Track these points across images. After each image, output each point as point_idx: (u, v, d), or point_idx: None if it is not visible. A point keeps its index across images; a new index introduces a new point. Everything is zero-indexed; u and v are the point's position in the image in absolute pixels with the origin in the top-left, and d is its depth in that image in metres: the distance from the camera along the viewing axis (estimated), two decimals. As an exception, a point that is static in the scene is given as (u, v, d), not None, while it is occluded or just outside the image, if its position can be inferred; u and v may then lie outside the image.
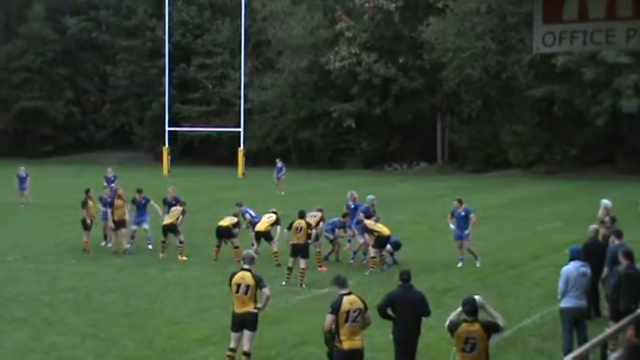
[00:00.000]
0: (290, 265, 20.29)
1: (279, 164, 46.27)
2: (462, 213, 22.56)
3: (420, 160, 67.74)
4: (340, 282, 11.59)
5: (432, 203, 39.32)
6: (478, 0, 61.08)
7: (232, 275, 13.10)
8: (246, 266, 13.07)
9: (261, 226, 22.78)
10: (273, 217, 23.01)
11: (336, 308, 11.31)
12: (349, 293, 11.46)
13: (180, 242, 23.88)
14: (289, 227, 20.77)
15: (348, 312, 11.27)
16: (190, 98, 73.32)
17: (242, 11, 61.36)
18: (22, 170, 38.64)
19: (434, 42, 62.72)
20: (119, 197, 25.24)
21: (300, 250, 20.16)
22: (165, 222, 24.02)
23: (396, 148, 68.09)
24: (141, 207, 25.61)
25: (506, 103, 63.52)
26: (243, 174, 58.45)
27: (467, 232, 22.45)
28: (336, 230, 23.55)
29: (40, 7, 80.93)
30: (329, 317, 11.35)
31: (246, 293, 12.85)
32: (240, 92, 62.20)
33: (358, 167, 66.73)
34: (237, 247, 22.71)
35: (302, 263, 20.10)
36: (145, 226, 25.38)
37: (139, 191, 25.96)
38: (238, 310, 12.95)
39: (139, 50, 77.27)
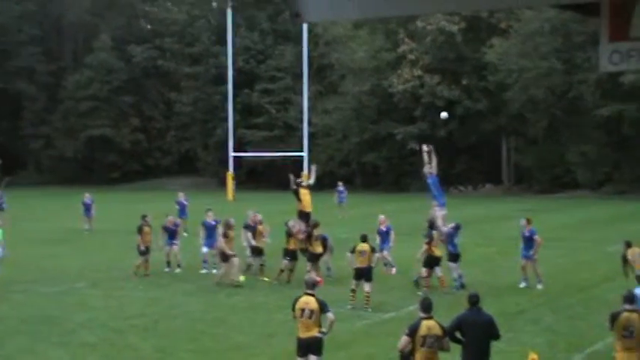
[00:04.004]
0: (353, 287, 20.24)
1: (341, 188, 46.13)
2: (527, 233, 22.57)
3: (485, 182, 67.06)
4: (424, 305, 11.51)
5: (499, 225, 38.86)
6: (542, 20, 60.44)
7: (296, 300, 13.06)
8: (309, 291, 13.01)
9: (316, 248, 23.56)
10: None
11: (412, 331, 11.24)
12: (429, 318, 11.35)
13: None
14: (352, 251, 20.75)
15: (425, 337, 11.18)
16: (254, 123, 73.80)
17: (304, 36, 61.65)
18: (87, 197, 39.26)
19: (497, 63, 62.27)
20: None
21: (363, 274, 20.11)
22: (257, 244, 24.76)
23: (461, 170, 67.51)
24: (210, 229, 25.78)
25: (572, 123, 62.60)
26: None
27: (532, 252, 22.32)
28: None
29: (106, 37, 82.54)
30: (404, 338, 11.27)
31: (310, 318, 12.78)
32: (303, 116, 62.42)
33: (423, 190, 66.09)
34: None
35: (366, 287, 20.00)
36: (213, 251, 25.52)
37: (209, 211, 26.31)
38: (303, 335, 12.88)
39: (203, 77, 78.17)
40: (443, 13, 59.88)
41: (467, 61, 65.79)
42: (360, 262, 20.28)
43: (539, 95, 60.90)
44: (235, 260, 23.45)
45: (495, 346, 12.25)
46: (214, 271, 25.22)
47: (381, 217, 26.00)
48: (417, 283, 22.37)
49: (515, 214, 41.51)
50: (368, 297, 19.93)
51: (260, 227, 25.00)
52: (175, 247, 26.11)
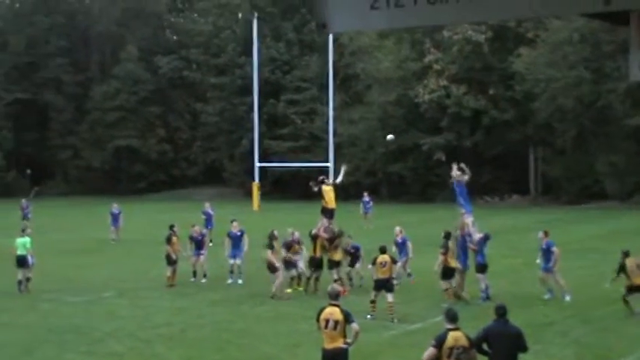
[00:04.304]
0: (373, 298, 20.22)
1: (366, 198, 45.99)
2: (544, 246, 22.54)
3: (512, 193, 66.65)
4: (450, 316, 11.38)
5: (526, 236, 38.51)
6: (570, 29, 60.02)
7: (320, 311, 12.98)
8: (333, 302, 12.94)
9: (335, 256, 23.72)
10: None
11: (439, 342, 11.09)
12: (456, 329, 11.25)
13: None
14: (373, 262, 20.69)
15: (451, 348, 11.04)
16: (280, 134, 73.91)
17: (330, 46, 61.73)
18: (115, 207, 39.56)
19: (525, 72, 61.91)
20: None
21: (384, 285, 20.12)
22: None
23: (488, 180, 67.01)
24: (236, 239, 25.82)
25: (601, 133, 62.06)
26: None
27: (551, 264, 22.19)
28: None
29: (132, 48, 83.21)
30: (430, 349, 11.12)
31: (334, 328, 12.69)
32: (328, 127, 62.42)
33: (449, 200, 65.81)
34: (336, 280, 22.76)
35: (389, 297, 19.97)
36: (238, 261, 25.60)
37: (234, 221, 26.35)
38: (328, 345, 12.80)
39: (229, 87, 78.43)
40: (470, 23, 59.66)
41: (494, 70, 65.51)
42: (381, 273, 20.27)
43: (567, 105, 60.42)
44: (280, 274, 23.42)
45: (522, 358, 12.12)
46: (240, 281, 25.33)
47: (397, 228, 26.12)
48: (457, 296, 22.19)
49: (542, 225, 41.16)
50: (392, 307, 19.85)
51: (296, 247, 24.83)
52: (202, 257, 26.22)
